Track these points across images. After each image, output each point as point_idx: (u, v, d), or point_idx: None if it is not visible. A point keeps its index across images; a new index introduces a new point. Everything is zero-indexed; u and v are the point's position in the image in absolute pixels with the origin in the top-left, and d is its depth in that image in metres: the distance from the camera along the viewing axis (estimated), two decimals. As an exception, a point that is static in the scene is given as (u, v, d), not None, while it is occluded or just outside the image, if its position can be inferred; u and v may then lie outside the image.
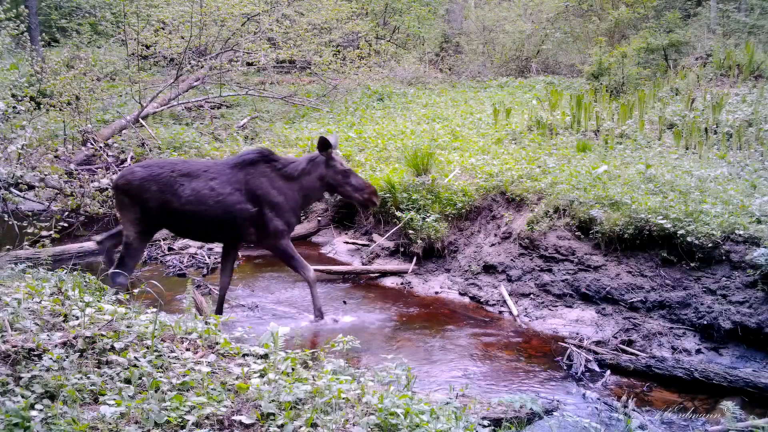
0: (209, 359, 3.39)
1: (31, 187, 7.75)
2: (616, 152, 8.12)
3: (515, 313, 6.09)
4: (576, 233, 6.48)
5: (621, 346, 5.29)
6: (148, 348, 3.39)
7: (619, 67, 11.77)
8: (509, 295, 6.36)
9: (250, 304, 6.36)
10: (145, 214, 5.34)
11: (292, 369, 3.41)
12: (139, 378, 3.06)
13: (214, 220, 5.32)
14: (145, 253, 8.03)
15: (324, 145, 5.54)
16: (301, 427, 2.72)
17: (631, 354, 5.14)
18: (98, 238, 5.88)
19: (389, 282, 7.15)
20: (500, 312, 6.22)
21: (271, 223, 5.45)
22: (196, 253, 7.92)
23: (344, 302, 6.47)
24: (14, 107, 7.00)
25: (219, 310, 5.71)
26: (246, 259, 8.05)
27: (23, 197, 7.56)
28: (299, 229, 8.90)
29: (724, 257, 5.61)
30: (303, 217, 9.25)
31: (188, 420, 2.69)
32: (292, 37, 13.38)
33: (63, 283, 4.42)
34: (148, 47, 13.13)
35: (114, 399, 2.83)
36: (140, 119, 11.01)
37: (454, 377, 4.84)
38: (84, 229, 8.46)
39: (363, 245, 8.10)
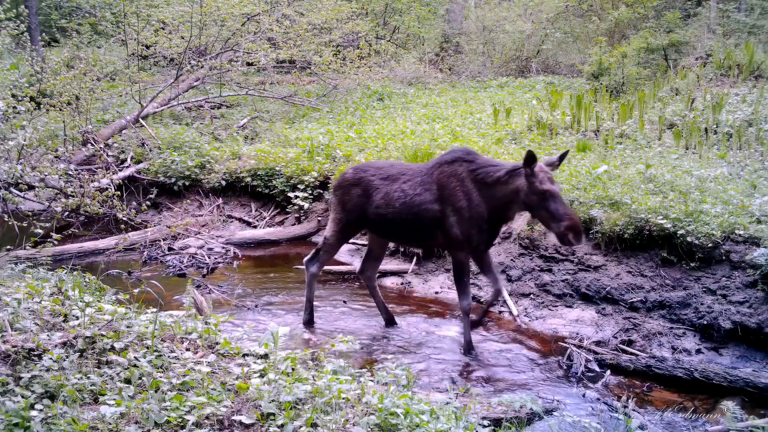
0: (209, 359, 3.39)
1: (31, 187, 7.75)
2: (616, 152, 8.12)
3: (515, 313, 6.09)
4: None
5: (621, 346, 5.29)
6: (148, 348, 3.39)
7: (619, 67, 11.77)
8: (509, 295, 6.36)
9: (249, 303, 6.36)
10: (346, 216, 5.50)
11: (292, 369, 3.41)
12: (139, 378, 3.06)
13: (401, 222, 5.18)
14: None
15: (529, 158, 4.63)
16: (301, 427, 2.72)
17: (631, 354, 5.14)
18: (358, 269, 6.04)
19: (389, 282, 7.15)
20: (500, 312, 6.21)
21: (452, 230, 5.01)
22: (196, 253, 7.92)
23: (344, 302, 6.47)
24: (14, 107, 7.00)
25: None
26: (246, 259, 8.05)
27: (23, 197, 7.56)
28: (299, 230, 8.91)
29: (724, 257, 5.62)
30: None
31: (188, 420, 2.69)
32: (292, 37, 13.37)
33: (63, 283, 4.42)
34: (148, 47, 13.13)
35: (114, 399, 2.83)
36: (140, 119, 11.01)
37: (454, 377, 4.83)
38: (84, 229, 8.46)
39: (363, 245, 8.09)
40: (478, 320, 5.40)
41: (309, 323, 5.74)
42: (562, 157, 5.00)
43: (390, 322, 5.84)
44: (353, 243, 8.26)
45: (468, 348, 5.22)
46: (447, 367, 5.03)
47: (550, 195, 4.63)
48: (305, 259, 5.79)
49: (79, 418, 2.63)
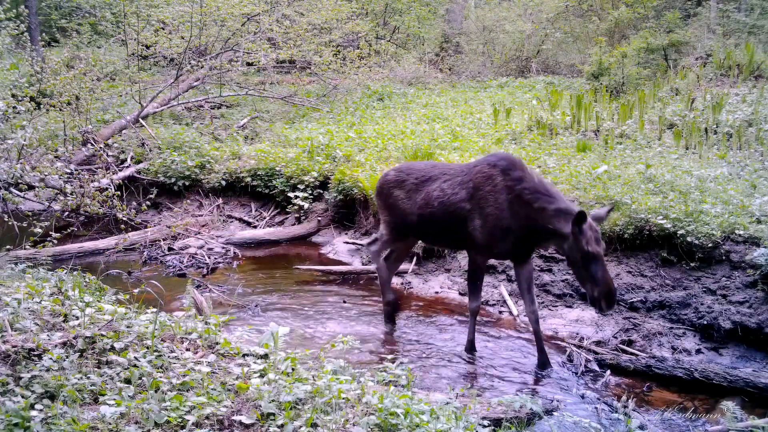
0: (209, 359, 3.39)
1: (31, 187, 7.75)
2: (616, 152, 8.12)
3: (515, 313, 6.09)
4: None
5: (621, 346, 5.29)
6: (148, 348, 3.39)
7: (619, 67, 11.77)
8: (509, 295, 6.36)
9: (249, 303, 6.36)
10: (393, 219, 5.48)
11: (292, 369, 3.41)
12: (139, 378, 3.06)
13: (438, 222, 5.08)
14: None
15: (580, 218, 4.33)
16: (301, 427, 2.72)
17: (631, 354, 5.14)
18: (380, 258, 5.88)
19: (389, 282, 7.15)
20: (500, 312, 6.21)
21: (474, 232, 4.87)
22: (196, 253, 7.92)
23: (344, 302, 6.47)
24: (14, 107, 7.00)
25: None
26: (246, 259, 8.05)
27: (23, 197, 7.56)
28: (299, 230, 8.91)
29: (724, 257, 5.62)
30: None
31: (188, 420, 2.69)
32: (292, 37, 13.36)
33: (63, 283, 4.42)
34: (148, 47, 13.12)
35: (114, 399, 2.83)
36: (140, 119, 11.01)
37: (454, 377, 4.84)
38: (84, 229, 8.46)
39: (363, 245, 8.10)
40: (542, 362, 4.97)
41: (390, 317, 5.80)
42: (609, 211, 4.80)
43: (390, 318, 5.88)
44: (353, 243, 8.26)
45: (470, 347, 5.22)
46: (448, 366, 5.03)
47: (594, 257, 4.40)
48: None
49: (79, 418, 2.63)
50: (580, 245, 4.39)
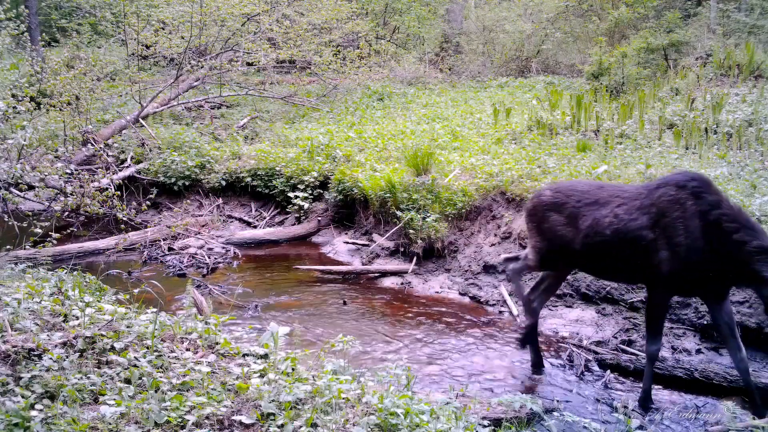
0: (209, 359, 3.39)
1: (31, 187, 7.75)
2: (616, 152, 8.12)
3: (515, 313, 6.09)
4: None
5: (621, 346, 5.29)
6: (148, 348, 3.39)
7: (619, 67, 11.77)
8: (509, 295, 6.36)
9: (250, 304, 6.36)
10: (546, 245, 4.70)
11: (292, 369, 3.41)
12: (139, 378, 3.06)
13: (611, 253, 4.32)
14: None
15: None
16: (301, 427, 2.72)
17: (631, 354, 5.14)
18: (525, 294, 5.13)
19: (389, 282, 7.15)
20: (500, 312, 6.21)
21: (660, 265, 4.10)
22: (196, 253, 7.92)
23: (344, 302, 6.47)
24: (14, 107, 7.00)
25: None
26: (246, 259, 8.05)
27: (23, 197, 7.56)
28: (299, 230, 8.91)
29: (724, 257, 5.59)
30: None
31: (188, 420, 2.69)
32: (292, 37, 13.37)
33: (63, 283, 4.42)
34: (148, 47, 13.12)
35: (114, 399, 2.83)
36: (140, 119, 11.01)
37: (454, 377, 4.84)
38: (84, 229, 8.47)
39: (363, 245, 8.10)
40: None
41: (527, 337, 4.93)
42: None
43: (537, 366, 5.01)
44: (353, 243, 8.26)
45: (644, 400, 4.34)
46: (448, 366, 5.03)
47: None
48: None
49: (79, 418, 2.63)
50: None
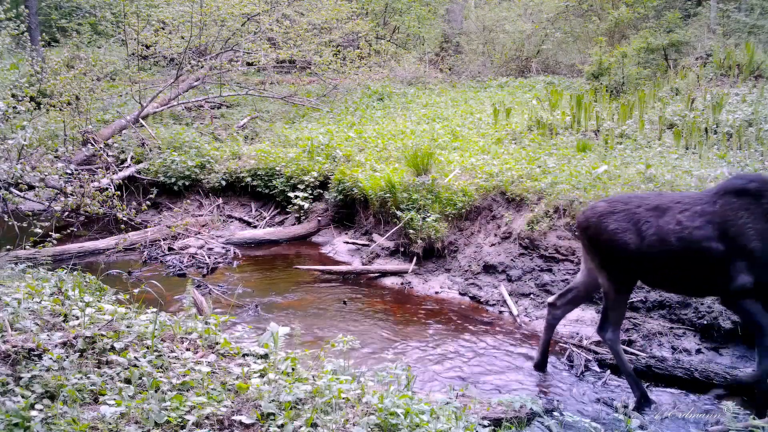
0: (209, 359, 3.39)
1: (31, 187, 7.76)
2: (616, 152, 8.12)
3: (515, 312, 6.08)
4: (576, 233, 6.48)
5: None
6: (148, 348, 3.39)
7: (619, 67, 11.77)
8: (509, 294, 6.36)
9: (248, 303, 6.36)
10: (606, 261, 4.43)
11: (292, 369, 3.41)
12: (139, 378, 3.06)
13: (676, 263, 4.13)
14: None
15: None
16: (301, 427, 2.72)
17: (632, 354, 5.14)
18: (551, 299, 5.03)
19: (389, 282, 7.15)
20: (500, 312, 6.21)
21: (738, 276, 3.95)
22: (196, 253, 7.92)
23: (344, 302, 6.47)
24: (14, 107, 7.00)
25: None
26: (246, 259, 8.05)
27: (23, 197, 7.57)
28: (299, 230, 8.91)
29: (724, 257, 5.59)
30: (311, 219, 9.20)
31: (188, 420, 2.69)
32: (292, 37, 13.37)
33: (63, 283, 4.42)
34: (148, 47, 13.12)
35: (114, 399, 2.83)
36: (140, 119, 11.01)
37: (454, 377, 4.84)
38: (84, 229, 8.47)
39: (363, 245, 8.10)
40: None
41: (644, 401, 4.38)
42: None
43: (540, 366, 4.98)
44: (353, 243, 8.26)
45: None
46: (448, 366, 5.03)
47: None
48: (596, 329, 4.70)
49: (79, 418, 2.63)
50: None
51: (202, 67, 11.77)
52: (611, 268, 4.42)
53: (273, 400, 2.89)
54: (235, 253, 8.11)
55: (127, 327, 3.59)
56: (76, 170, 8.30)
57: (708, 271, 4.07)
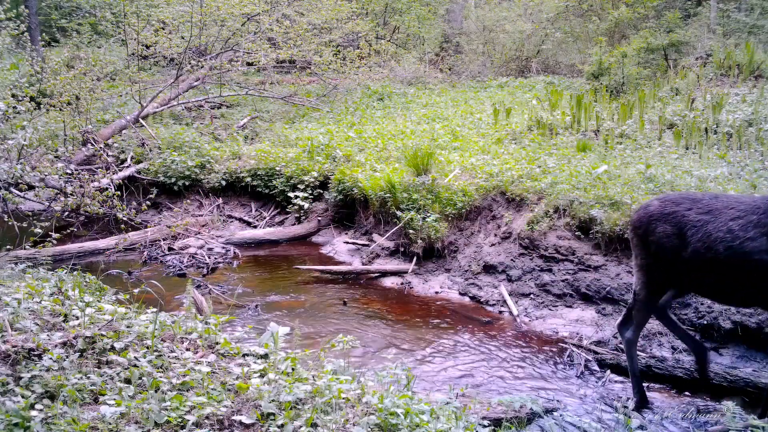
0: (209, 359, 3.39)
1: (31, 187, 7.76)
2: (616, 152, 8.12)
3: (515, 313, 6.08)
4: (576, 233, 6.48)
5: (621, 346, 5.27)
6: (148, 348, 3.39)
7: (619, 67, 11.77)
8: (509, 295, 6.36)
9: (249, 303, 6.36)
10: (653, 262, 4.27)
11: (292, 369, 3.41)
12: (139, 378, 3.06)
13: (721, 272, 3.93)
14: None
15: None
16: (301, 427, 2.72)
17: (631, 354, 5.13)
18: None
19: (389, 282, 7.16)
20: (500, 312, 6.22)
21: None
22: (196, 253, 7.92)
23: (344, 302, 6.47)
24: (14, 107, 7.00)
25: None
26: (246, 259, 8.05)
27: (23, 197, 7.56)
28: (299, 230, 8.91)
29: (724, 257, 5.58)
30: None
31: (188, 420, 2.69)
32: (292, 37, 13.36)
33: (63, 283, 4.42)
34: (148, 47, 13.12)
35: (114, 399, 2.83)
36: (140, 119, 11.01)
37: (454, 377, 4.84)
38: (84, 229, 8.47)
39: (363, 245, 8.10)
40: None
41: (641, 404, 4.36)
42: None
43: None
44: (353, 243, 8.26)
45: None
46: (448, 366, 5.03)
47: None
48: (617, 323, 4.67)
49: (79, 418, 2.63)
50: None
51: (202, 67, 11.77)
52: (652, 270, 4.30)
53: (273, 400, 2.89)
54: (235, 253, 8.11)
55: (127, 327, 3.59)
56: (76, 170, 8.31)
57: (758, 282, 3.85)
